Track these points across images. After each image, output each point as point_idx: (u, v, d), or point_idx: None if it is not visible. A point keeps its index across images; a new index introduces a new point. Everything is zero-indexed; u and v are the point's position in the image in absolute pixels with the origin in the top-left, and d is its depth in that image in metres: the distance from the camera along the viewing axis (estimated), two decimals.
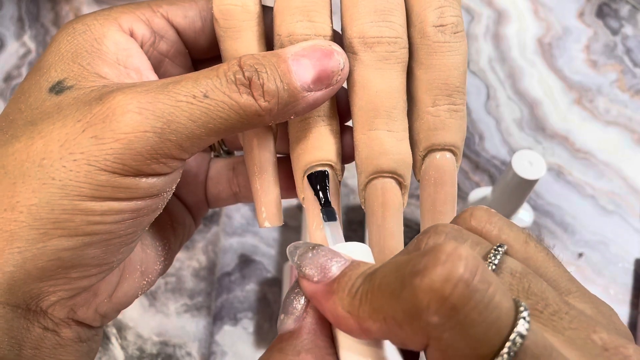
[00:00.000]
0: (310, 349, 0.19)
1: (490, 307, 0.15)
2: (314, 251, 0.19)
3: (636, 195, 0.55)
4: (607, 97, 0.60)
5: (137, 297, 0.26)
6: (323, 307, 0.19)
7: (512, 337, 0.15)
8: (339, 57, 0.22)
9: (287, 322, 0.19)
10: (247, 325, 0.49)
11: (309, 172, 0.24)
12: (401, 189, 0.23)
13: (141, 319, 0.49)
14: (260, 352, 0.48)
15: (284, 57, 0.22)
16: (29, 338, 0.22)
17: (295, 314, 0.19)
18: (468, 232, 0.19)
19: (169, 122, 0.20)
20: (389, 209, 0.23)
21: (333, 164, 0.24)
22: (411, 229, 0.52)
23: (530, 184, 0.42)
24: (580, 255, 0.52)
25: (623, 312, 0.50)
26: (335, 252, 0.19)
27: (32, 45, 0.63)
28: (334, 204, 0.24)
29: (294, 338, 0.19)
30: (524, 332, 0.15)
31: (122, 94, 0.21)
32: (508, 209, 0.46)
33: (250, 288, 0.51)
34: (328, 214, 0.23)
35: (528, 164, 0.42)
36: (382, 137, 0.23)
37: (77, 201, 0.20)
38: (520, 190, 0.43)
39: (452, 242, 0.16)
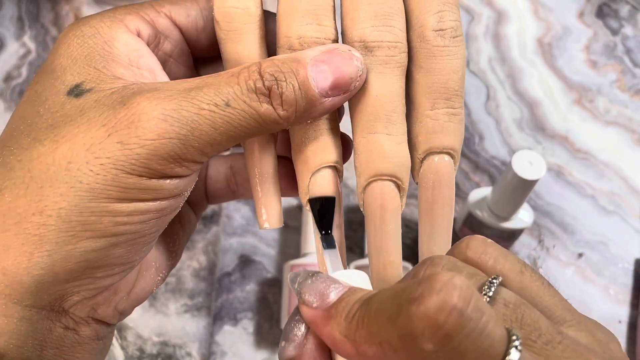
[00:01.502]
0: None
1: (483, 335, 0.15)
2: (313, 278, 0.20)
3: (636, 196, 0.55)
4: (607, 97, 0.60)
5: (152, 292, 0.27)
6: (321, 332, 0.19)
7: None
8: (357, 63, 0.22)
9: (288, 349, 0.20)
10: (247, 325, 0.49)
11: (311, 197, 0.24)
12: (400, 192, 0.24)
13: (141, 320, 0.49)
14: (260, 352, 0.48)
15: (304, 62, 0.22)
16: (50, 338, 0.22)
17: (296, 341, 0.20)
18: (464, 264, 0.20)
19: (193, 130, 0.21)
20: (387, 212, 0.23)
21: (338, 166, 0.24)
22: (412, 230, 0.52)
23: (530, 184, 0.42)
24: (580, 255, 0.52)
25: (623, 312, 0.50)
26: (333, 279, 0.20)
27: (32, 45, 0.63)
28: (337, 213, 0.24)
29: None
30: None
31: (146, 100, 0.21)
32: (508, 209, 0.46)
33: (250, 288, 0.51)
34: (327, 241, 0.23)
35: (528, 164, 0.42)
36: (382, 141, 0.23)
37: (105, 203, 0.21)
38: (520, 190, 0.43)
39: (448, 272, 0.17)
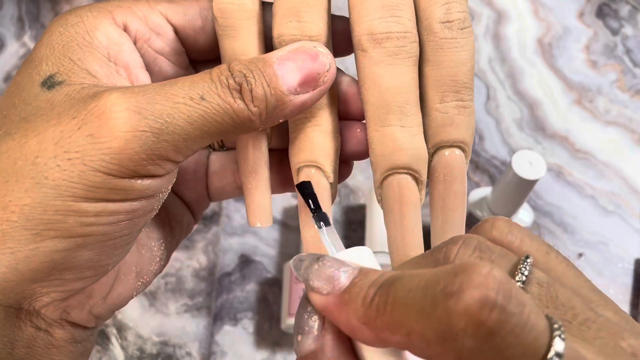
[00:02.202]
0: None
1: (527, 329, 0.15)
2: (320, 262, 0.19)
3: (636, 196, 0.55)
4: (607, 97, 0.60)
5: (132, 298, 0.26)
6: (337, 319, 0.18)
7: (549, 356, 0.15)
8: (324, 59, 0.22)
9: (307, 343, 0.19)
10: (247, 325, 0.49)
11: (297, 183, 0.23)
12: (418, 184, 0.23)
13: (141, 319, 0.49)
14: (260, 352, 0.48)
15: (270, 61, 0.22)
16: (20, 337, 0.21)
17: (313, 333, 0.19)
18: (493, 245, 0.19)
19: (167, 123, 0.20)
20: (406, 206, 0.23)
21: (319, 165, 0.24)
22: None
23: (530, 184, 0.42)
24: (580, 255, 0.52)
25: None
26: (341, 262, 0.19)
27: (32, 45, 0.63)
28: (324, 209, 0.23)
29: (317, 358, 0.19)
30: (561, 351, 0.15)
31: (119, 92, 0.20)
32: (508, 209, 0.46)
33: (250, 288, 0.51)
34: (322, 218, 0.22)
35: (528, 164, 0.42)
36: (396, 133, 0.23)
37: (70, 202, 0.20)
38: (520, 190, 0.43)
39: (485, 262, 0.16)
